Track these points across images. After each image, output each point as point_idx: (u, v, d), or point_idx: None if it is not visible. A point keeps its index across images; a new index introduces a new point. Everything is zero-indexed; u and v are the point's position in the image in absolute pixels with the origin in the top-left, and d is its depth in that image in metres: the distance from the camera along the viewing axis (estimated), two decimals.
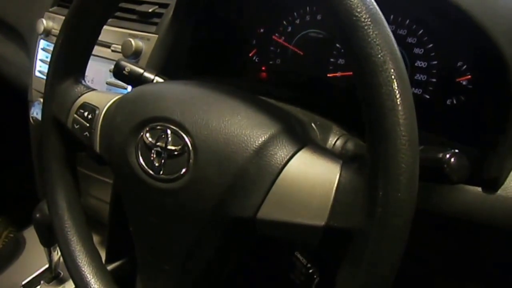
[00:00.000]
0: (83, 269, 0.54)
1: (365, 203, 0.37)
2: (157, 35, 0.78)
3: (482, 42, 0.50)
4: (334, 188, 0.39)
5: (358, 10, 0.35)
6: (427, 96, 0.59)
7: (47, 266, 0.88)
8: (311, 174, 0.40)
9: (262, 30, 0.73)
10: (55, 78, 0.57)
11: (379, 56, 0.35)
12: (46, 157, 0.58)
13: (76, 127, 0.55)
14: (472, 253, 0.61)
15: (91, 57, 0.60)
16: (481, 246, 0.59)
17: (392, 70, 0.35)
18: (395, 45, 0.36)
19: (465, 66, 0.56)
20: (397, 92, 0.34)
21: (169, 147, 0.45)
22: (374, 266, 0.36)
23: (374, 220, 0.35)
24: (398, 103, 0.34)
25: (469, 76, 0.55)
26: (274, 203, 0.41)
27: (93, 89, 0.57)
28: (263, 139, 0.42)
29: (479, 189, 0.51)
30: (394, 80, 0.35)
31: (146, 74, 0.61)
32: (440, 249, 0.64)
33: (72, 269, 0.55)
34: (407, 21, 0.59)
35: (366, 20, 0.35)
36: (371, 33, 0.35)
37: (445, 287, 0.69)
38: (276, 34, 0.72)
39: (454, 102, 0.57)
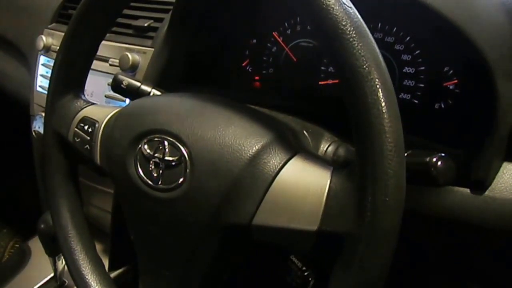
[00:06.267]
0: (87, 277, 0.55)
1: (355, 208, 0.37)
2: (153, 49, 0.78)
3: (467, 48, 0.50)
4: (325, 194, 0.40)
5: (343, 23, 0.36)
6: (416, 101, 0.59)
7: (52, 275, 0.89)
8: (303, 181, 0.41)
9: (254, 41, 0.74)
10: (56, 93, 0.58)
11: (364, 67, 0.36)
12: (49, 170, 0.59)
13: (77, 140, 0.56)
14: (463, 252, 0.61)
15: (90, 71, 0.60)
16: (471, 246, 0.59)
17: (377, 80, 0.36)
18: (380, 56, 0.37)
19: (451, 71, 0.56)
20: (382, 100, 0.35)
21: (166, 158, 0.46)
22: (365, 268, 0.37)
23: (364, 224, 0.36)
24: (384, 111, 0.35)
25: (456, 81, 0.56)
26: (268, 210, 0.42)
27: (93, 103, 0.58)
28: (256, 148, 0.43)
29: (467, 190, 0.52)
30: (379, 90, 0.35)
31: (143, 87, 0.62)
32: (432, 250, 0.64)
33: (76, 277, 0.55)
34: (395, 29, 0.60)
35: (351, 32, 0.36)
36: (356, 45, 0.36)
37: (439, 286, 0.70)
38: (268, 45, 0.72)
39: (442, 106, 0.57)
